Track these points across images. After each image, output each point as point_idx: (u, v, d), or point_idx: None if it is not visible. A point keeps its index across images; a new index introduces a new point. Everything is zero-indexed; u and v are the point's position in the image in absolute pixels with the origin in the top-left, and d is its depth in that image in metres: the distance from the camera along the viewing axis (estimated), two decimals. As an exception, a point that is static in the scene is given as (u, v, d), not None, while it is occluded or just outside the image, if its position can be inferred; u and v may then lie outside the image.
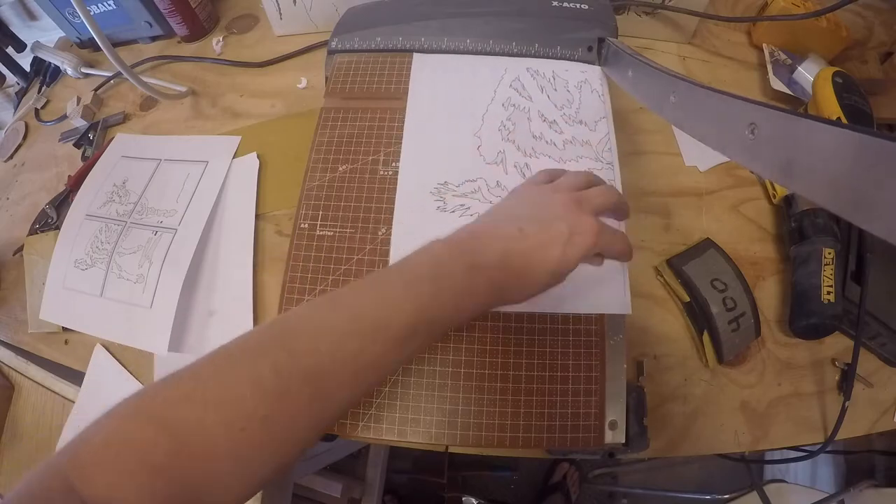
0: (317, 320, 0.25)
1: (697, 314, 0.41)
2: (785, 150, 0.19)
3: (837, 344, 0.42)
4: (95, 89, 0.64)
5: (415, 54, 0.47)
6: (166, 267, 0.46)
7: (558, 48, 0.46)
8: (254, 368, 0.23)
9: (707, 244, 0.43)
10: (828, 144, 0.17)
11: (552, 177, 0.33)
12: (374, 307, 0.26)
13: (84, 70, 0.68)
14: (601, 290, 0.35)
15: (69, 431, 0.46)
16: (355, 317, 0.25)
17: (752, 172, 0.48)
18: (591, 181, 0.33)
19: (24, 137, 0.67)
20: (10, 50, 0.75)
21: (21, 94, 0.75)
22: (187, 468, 0.22)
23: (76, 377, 0.47)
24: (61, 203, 0.55)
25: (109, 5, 0.63)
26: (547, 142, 0.41)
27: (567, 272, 0.29)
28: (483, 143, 0.41)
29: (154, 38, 0.68)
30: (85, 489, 0.20)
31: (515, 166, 0.40)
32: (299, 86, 0.58)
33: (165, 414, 0.22)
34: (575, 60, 0.46)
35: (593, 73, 0.45)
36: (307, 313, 0.26)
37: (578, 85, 0.44)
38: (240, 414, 0.22)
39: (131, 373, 0.45)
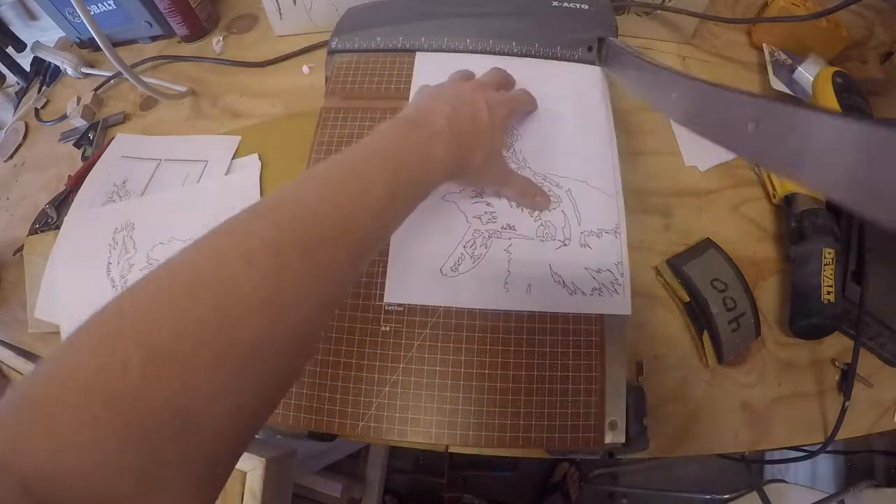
0: (297, 195, 0.24)
1: (697, 314, 0.41)
2: (789, 142, 0.19)
3: (837, 344, 0.42)
4: (95, 89, 0.64)
5: (417, 53, 0.47)
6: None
7: (558, 48, 0.46)
8: (243, 245, 0.20)
9: (707, 244, 0.43)
10: (832, 135, 0.17)
11: (465, 76, 0.41)
12: (350, 179, 0.26)
13: (84, 70, 0.68)
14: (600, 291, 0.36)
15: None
16: (335, 189, 0.25)
17: (755, 169, 0.48)
18: (500, 77, 0.41)
19: (24, 137, 0.66)
20: (10, 50, 0.75)
21: (21, 94, 0.75)
22: (167, 394, 0.16)
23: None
24: (61, 203, 0.55)
25: (109, 5, 0.63)
26: (547, 139, 0.41)
27: (502, 136, 0.38)
28: None
29: (154, 38, 0.68)
30: (22, 462, 0.14)
31: (515, 165, 0.40)
32: (304, 71, 0.59)
33: (132, 325, 0.17)
34: (575, 61, 0.46)
35: (594, 73, 0.45)
36: (284, 192, 0.24)
37: (580, 85, 0.44)
38: (235, 299, 0.18)
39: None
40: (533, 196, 0.38)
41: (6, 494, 0.14)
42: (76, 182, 0.55)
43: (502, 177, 0.38)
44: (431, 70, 0.46)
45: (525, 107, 0.42)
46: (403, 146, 0.30)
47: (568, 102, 0.43)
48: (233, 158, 0.53)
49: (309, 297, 0.21)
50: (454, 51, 0.47)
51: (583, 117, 0.43)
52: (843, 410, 0.39)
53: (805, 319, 0.40)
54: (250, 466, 0.43)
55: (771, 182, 0.46)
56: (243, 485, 0.42)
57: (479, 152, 0.34)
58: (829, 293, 0.39)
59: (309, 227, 0.22)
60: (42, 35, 0.75)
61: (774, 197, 0.46)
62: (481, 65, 0.43)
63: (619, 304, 0.35)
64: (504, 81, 0.42)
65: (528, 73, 0.44)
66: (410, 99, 0.42)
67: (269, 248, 0.20)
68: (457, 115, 0.33)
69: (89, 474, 0.15)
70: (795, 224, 0.43)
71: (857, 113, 0.40)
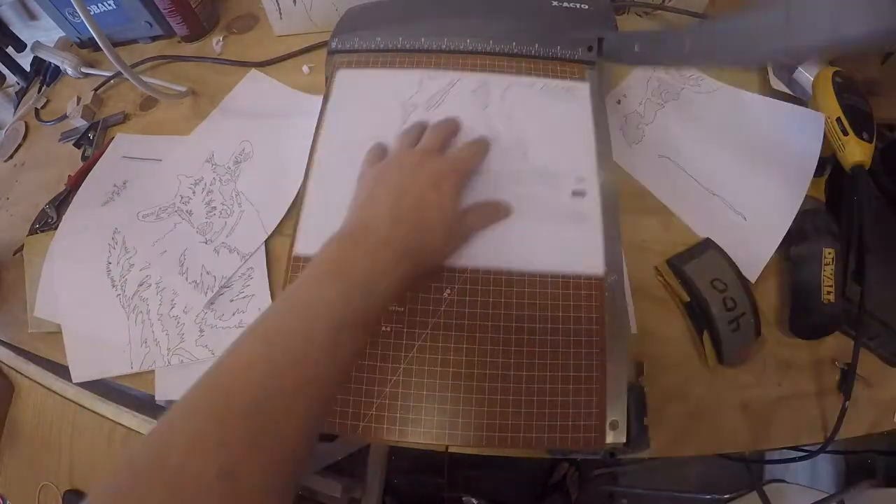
0: (240, 353, 0.25)
1: (697, 314, 0.41)
2: (828, 10, 0.19)
3: (837, 344, 0.42)
4: (95, 89, 0.64)
5: (339, 70, 0.46)
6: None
7: (558, 48, 0.46)
8: (193, 424, 0.22)
9: (707, 244, 0.43)
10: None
11: (407, 141, 0.39)
12: (294, 326, 0.26)
13: (84, 70, 0.68)
14: (575, 248, 0.37)
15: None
16: (280, 340, 0.25)
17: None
18: (444, 134, 0.39)
19: (24, 137, 0.67)
20: (10, 50, 0.75)
21: (21, 94, 0.75)
22: None
23: (76, 377, 0.47)
24: (61, 203, 0.55)
25: (109, 5, 0.63)
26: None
27: (455, 206, 0.35)
28: None
29: (154, 38, 0.68)
30: None
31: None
32: (304, 71, 0.59)
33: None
34: (575, 61, 0.46)
35: (581, 94, 0.44)
36: (229, 356, 0.25)
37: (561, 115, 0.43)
38: (190, 483, 0.20)
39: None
40: (495, 218, 0.38)
41: None
42: (76, 182, 0.55)
43: (465, 231, 0.37)
44: (350, 90, 0.45)
45: (474, 163, 0.39)
46: (346, 267, 0.29)
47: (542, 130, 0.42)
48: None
49: (261, 454, 0.22)
50: (454, 51, 0.47)
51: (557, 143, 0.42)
52: (843, 410, 0.39)
53: (805, 319, 0.40)
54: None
55: (771, 182, 0.46)
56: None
57: (433, 236, 0.33)
58: (829, 293, 0.39)
59: (253, 390, 0.23)
60: (42, 35, 0.75)
61: (774, 197, 0.46)
62: (407, 80, 0.44)
63: (592, 263, 0.37)
64: (448, 134, 0.40)
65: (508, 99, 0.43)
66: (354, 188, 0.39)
67: (215, 423, 0.22)
68: (400, 211, 0.32)
69: None
70: (795, 224, 0.43)
71: (855, 116, 0.40)
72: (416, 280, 0.32)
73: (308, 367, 0.25)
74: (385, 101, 0.44)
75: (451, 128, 0.40)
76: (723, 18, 0.26)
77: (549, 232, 0.38)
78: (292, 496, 0.23)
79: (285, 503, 0.23)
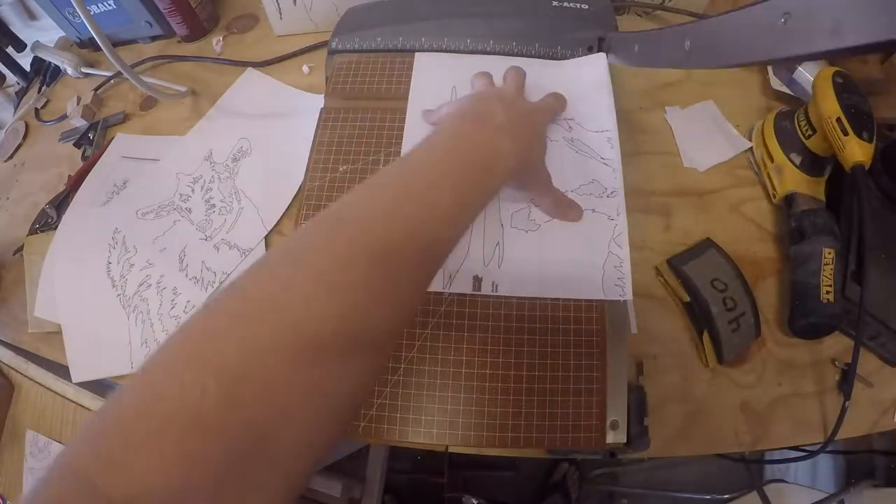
0: (366, 207, 0.24)
1: (697, 314, 0.41)
2: (828, 14, 0.19)
3: (837, 344, 0.42)
4: (95, 89, 0.64)
5: (417, 53, 0.47)
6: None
7: (558, 48, 0.46)
8: (313, 266, 0.20)
9: (707, 244, 0.43)
10: None
11: (488, 81, 0.41)
12: (420, 190, 0.25)
13: (84, 70, 0.68)
14: (597, 275, 0.36)
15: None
16: (404, 200, 0.24)
17: (755, 169, 0.48)
18: (521, 81, 0.41)
19: (24, 137, 0.66)
20: (10, 50, 0.75)
21: (21, 94, 0.75)
22: (245, 415, 0.16)
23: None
24: (61, 203, 0.55)
25: (109, 5, 0.63)
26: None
27: (545, 140, 0.37)
28: None
29: (154, 38, 0.68)
30: (112, 484, 0.15)
31: None
32: (304, 71, 0.59)
33: (206, 349, 0.17)
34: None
35: (599, 64, 0.45)
36: (352, 204, 0.24)
37: (584, 82, 0.44)
38: (308, 321, 0.18)
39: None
40: (567, 208, 0.38)
41: None
42: (76, 182, 0.55)
43: (543, 184, 0.37)
44: (431, 71, 0.46)
45: (558, 109, 0.41)
46: (471, 145, 0.29)
47: (575, 103, 0.43)
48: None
49: (382, 307, 0.21)
50: (454, 51, 0.47)
51: (588, 116, 0.43)
52: (843, 410, 0.39)
53: (805, 319, 0.40)
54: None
55: (771, 182, 0.46)
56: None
57: (536, 147, 0.35)
58: (828, 293, 0.39)
59: (379, 242, 0.22)
60: (42, 35, 0.75)
61: (774, 197, 0.46)
62: (481, 65, 0.43)
63: (618, 289, 0.36)
64: (522, 79, 0.42)
65: (533, 77, 0.44)
66: (414, 102, 0.42)
67: (339, 267, 0.20)
68: (511, 111, 0.33)
69: (175, 497, 0.15)
70: (795, 224, 0.43)
71: (855, 116, 0.40)
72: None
73: (430, 233, 0.24)
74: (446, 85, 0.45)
75: (522, 74, 0.42)
76: (722, 18, 0.26)
77: (587, 266, 0.37)
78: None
79: (390, 347, 0.24)
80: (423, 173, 0.26)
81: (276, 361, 0.17)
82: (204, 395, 0.16)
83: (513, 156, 0.30)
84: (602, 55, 0.45)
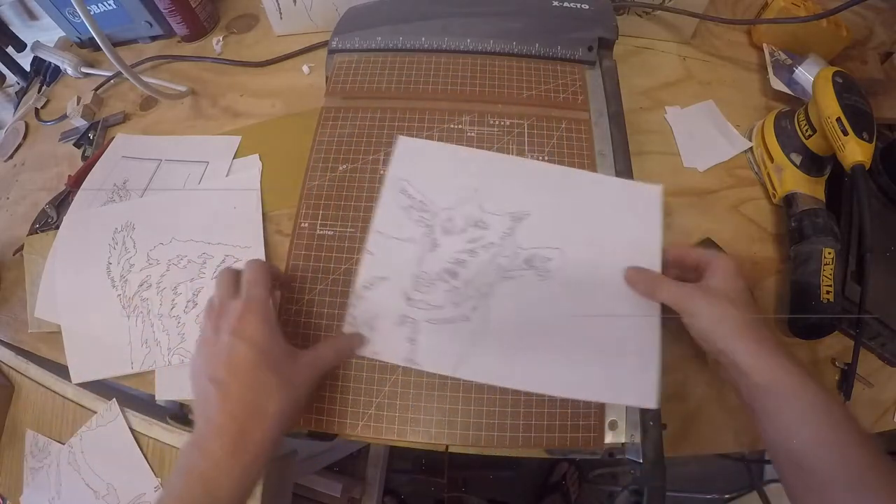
0: None
1: (697, 314, 0.41)
2: None
3: (837, 344, 0.42)
4: (95, 89, 0.64)
5: (399, 137, 0.41)
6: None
7: (558, 48, 0.46)
8: None
9: (707, 244, 0.43)
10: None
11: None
12: None
13: (84, 70, 0.68)
14: (625, 376, 0.33)
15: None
16: None
17: (755, 169, 0.48)
18: (228, 278, 0.34)
19: (24, 137, 0.66)
20: (10, 50, 0.75)
21: (21, 94, 0.75)
22: None
23: (76, 377, 0.47)
24: (61, 203, 0.55)
25: (109, 5, 0.63)
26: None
27: (277, 351, 0.31)
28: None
29: (154, 38, 0.68)
30: None
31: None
32: (304, 71, 0.59)
33: None
34: (575, 61, 0.46)
35: (653, 198, 0.37)
36: None
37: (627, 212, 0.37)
38: None
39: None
40: (351, 350, 0.34)
41: None
42: (76, 182, 0.55)
43: (314, 362, 0.33)
44: (410, 158, 0.40)
45: (262, 290, 0.33)
46: (196, 479, 0.28)
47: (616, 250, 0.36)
48: (233, 158, 0.53)
49: None
50: (455, 51, 0.47)
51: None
52: (843, 410, 0.39)
53: (805, 319, 0.40)
54: (250, 466, 0.43)
55: (771, 182, 0.46)
56: (243, 485, 0.42)
57: (268, 400, 0.30)
58: (828, 293, 0.39)
59: None
60: (42, 35, 0.75)
61: (774, 197, 0.46)
62: (465, 156, 0.40)
63: (644, 396, 0.32)
64: (231, 278, 0.34)
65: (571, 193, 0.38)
66: None
67: None
68: (218, 411, 0.29)
69: None
70: (795, 224, 0.43)
71: (855, 116, 0.40)
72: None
73: None
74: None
75: (231, 272, 0.35)
76: None
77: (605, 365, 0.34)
78: None
79: None
80: None
81: None
82: None
83: (239, 458, 0.29)
84: (659, 188, 0.37)
